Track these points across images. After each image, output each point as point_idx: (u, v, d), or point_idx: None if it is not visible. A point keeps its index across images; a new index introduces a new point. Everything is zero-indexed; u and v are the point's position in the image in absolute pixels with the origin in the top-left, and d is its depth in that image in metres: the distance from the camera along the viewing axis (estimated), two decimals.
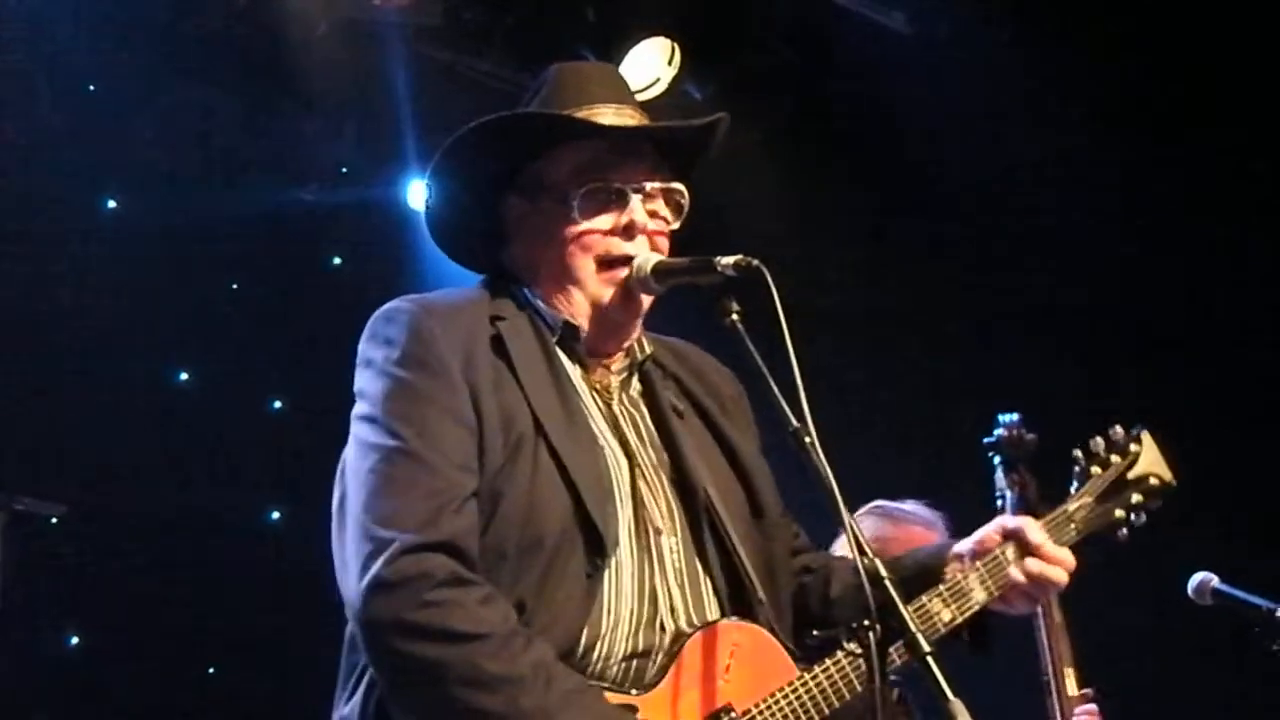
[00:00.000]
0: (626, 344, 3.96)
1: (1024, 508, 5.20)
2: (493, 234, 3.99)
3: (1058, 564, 3.98)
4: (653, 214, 3.86)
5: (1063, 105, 8.77)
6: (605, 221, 3.81)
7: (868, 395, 9.03)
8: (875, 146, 9.20)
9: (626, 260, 3.80)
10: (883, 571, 3.22)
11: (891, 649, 3.40)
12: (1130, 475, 4.31)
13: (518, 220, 3.93)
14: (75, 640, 8.86)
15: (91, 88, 8.62)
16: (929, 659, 3.15)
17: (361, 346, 3.76)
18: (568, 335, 3.85)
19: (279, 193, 9.39)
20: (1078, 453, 4.35)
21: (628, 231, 3.80)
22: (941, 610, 3.83)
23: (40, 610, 8.17)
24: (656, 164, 3.91)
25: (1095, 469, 4.30)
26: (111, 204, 9.02)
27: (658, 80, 8.80)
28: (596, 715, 3.40)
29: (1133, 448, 4.35)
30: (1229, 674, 7.53)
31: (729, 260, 3.58)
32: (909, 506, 6.28)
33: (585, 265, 3.80)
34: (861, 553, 3.23)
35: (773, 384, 3.47)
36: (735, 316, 3.58)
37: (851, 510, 3.37)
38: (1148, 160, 8.57)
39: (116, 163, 8.79)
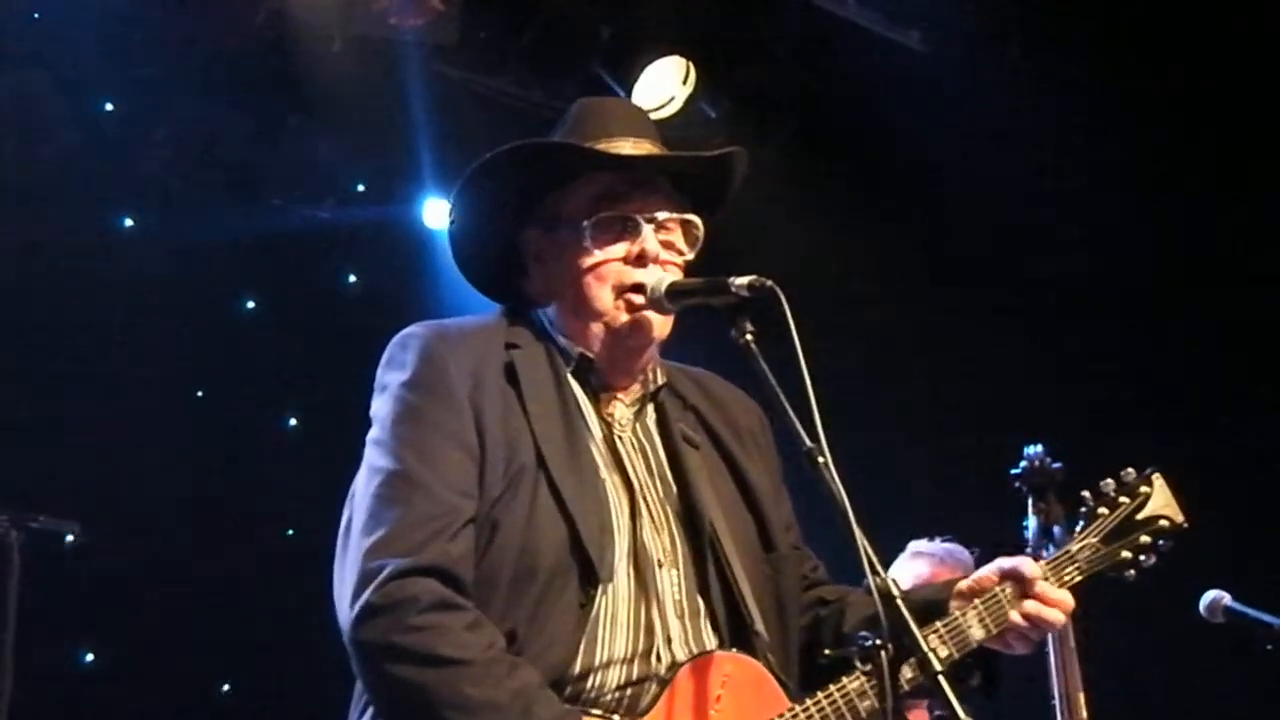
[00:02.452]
0: (640, 375, 3.97)
1: (1047, 536, 5.24)
2: (513, 265, 4.00)
3: (1054, 605, 3.95)
4: (667, 244, 3.87)
5: (1079, 122, 8.77)
6: (618, 250, 3.82)
7: (873, 415, 9.02)
8: (889, 164, 9.21)
9: (639, 288, 3.81)
10: (894, 590, 3.23)
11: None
12: (1139, 516, 4.25)
13: (536, 252, 3.95)
14: (90, 658, 8.87)
15: (108, 106, 8.66)
16: (940, 677, 3.17)
17: (378, 371, 3.80)
18: (582, 366, 3.86)
19: (295, 210, 9.41)
20: (1085, 493, 4.30)
21: (639, 260, 3.81)
22: (939, 646, 3.80)
23: (55, 628, 8.17)
24: (671, 195, 3.92)
25: (1102, 509, 4.24)
26: (128, 222, 9.05)
27: (672, 99, 8.83)
28: None
29: (1142, 489, 4.29)
30: (1241, 693, 7.52)
31: (743, 281, 3.58)
32: (943, 547, 6.38)
33: (602, 294, 3.81)
34: (874, 571, 3.24)
35: (786, 405, 3.48)
36: (749, 337, 3.57)
37: (869, 535, 3.36)
38: (1169, 176, 8.57)
39: (133, 181, 8.82)
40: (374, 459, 3.64)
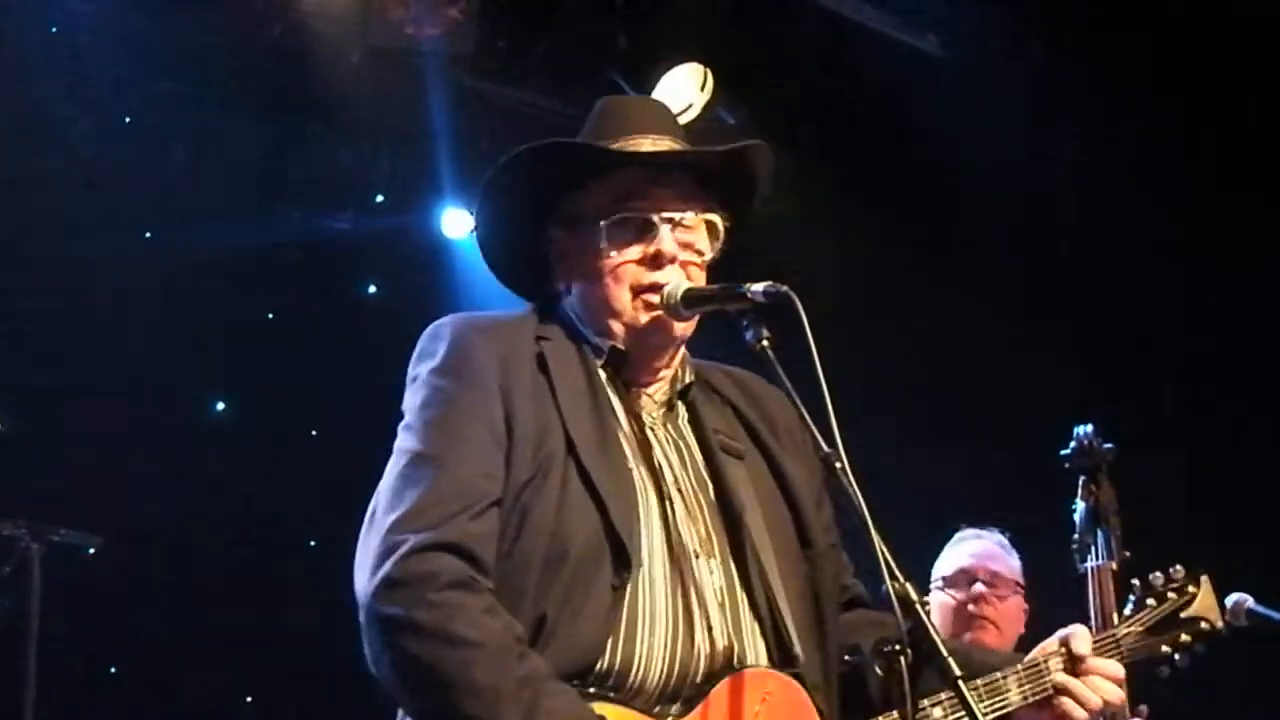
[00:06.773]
0: (667, 372, 3.93)
1: (1096, 520, 5.18)
2: (540, 264, 3.98)
3: (1101, 674, 3.90)
4: (686, 245, 3.82)
5: (1097, 125, 8.76)
6: (634, 252, 3.78)
7: (903, 423, 9.00)
8: (908, 169, 9.20)
9: (656, 288, 3.77)
10: (913, 595, 3.22)
11: None
12: (1183, 614, 4.28)
13: (560, 253, 3.93)
14: (113, 670, 8.89)
15: (127, 119, 8.67)
16: (960, 683, 3.16)
17: (410, 364, 3.79)
18: (613, 360, 3.83)
19: (314, 221, 9.44)
20: (1136, 582, 4.34)
21: (655, 261, 3.77)
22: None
23: (78, 641, 8.19)
24: (693, 193, 3.87)
25: (1150, 600, 4.27)
26: (148, 234, 9.07)
27: (690, 106, 8.81)
28: None
29: (1190, 588, 4.33)
30: (1264, 696, 7.50)
31: (758, 287, 3.57)
32: (985, 532, 6.43)
33: (621, 295, 3.78)
34: (892, 577, 3.22)
35: (803, 411, 3.48)
36: (765, 343, 3.56)
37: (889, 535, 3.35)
38: (1186, 178, 8.55)
39: (152, 193, 8.84)
40: (401, 442, 3.63)
